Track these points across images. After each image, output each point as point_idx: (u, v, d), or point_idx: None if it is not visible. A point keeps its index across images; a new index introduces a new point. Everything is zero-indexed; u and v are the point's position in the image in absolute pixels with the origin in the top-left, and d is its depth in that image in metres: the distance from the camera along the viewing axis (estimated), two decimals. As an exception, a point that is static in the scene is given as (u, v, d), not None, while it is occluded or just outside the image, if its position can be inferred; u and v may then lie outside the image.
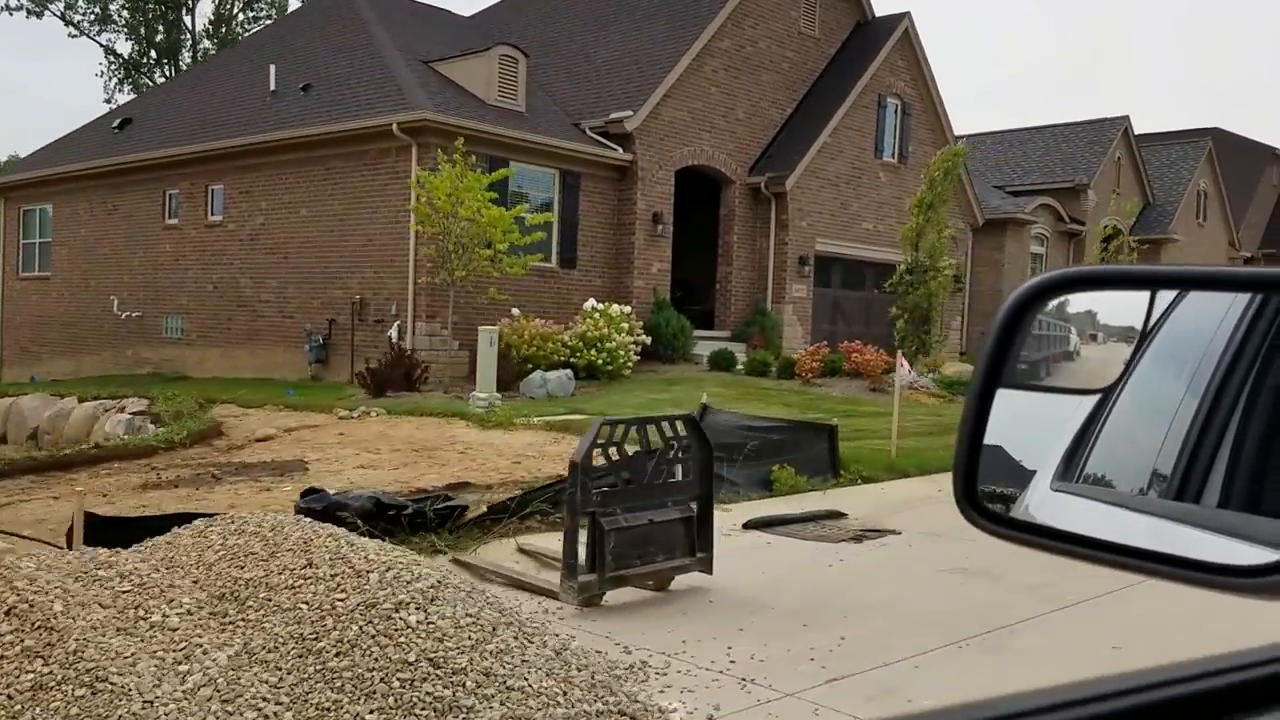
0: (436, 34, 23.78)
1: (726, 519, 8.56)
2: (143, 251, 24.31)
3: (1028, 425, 1.27)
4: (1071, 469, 1.20)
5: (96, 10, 50.02)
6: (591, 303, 19.38)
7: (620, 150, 21.36)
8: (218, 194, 22.76)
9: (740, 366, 20.06)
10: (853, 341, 20.74)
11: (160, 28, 50.41)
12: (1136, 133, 39.20)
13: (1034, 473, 1.25)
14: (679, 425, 6.51)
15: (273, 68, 22.92)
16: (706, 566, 6.56)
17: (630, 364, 18.96)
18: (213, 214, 22.84)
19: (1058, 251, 35.43)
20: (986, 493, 1.27)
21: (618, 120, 21.26)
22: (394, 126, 18.34)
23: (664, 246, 22.14)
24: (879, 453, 11.48)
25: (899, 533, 8.65)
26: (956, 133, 41.28)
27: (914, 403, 17.29)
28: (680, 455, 6.48)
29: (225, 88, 24.85)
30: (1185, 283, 1.19)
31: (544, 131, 20.56)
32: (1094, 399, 1.21)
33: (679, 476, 6.62)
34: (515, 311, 18.75)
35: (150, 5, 49.97)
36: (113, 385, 20.44)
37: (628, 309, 19.84)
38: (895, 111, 26.42)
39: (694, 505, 6.50)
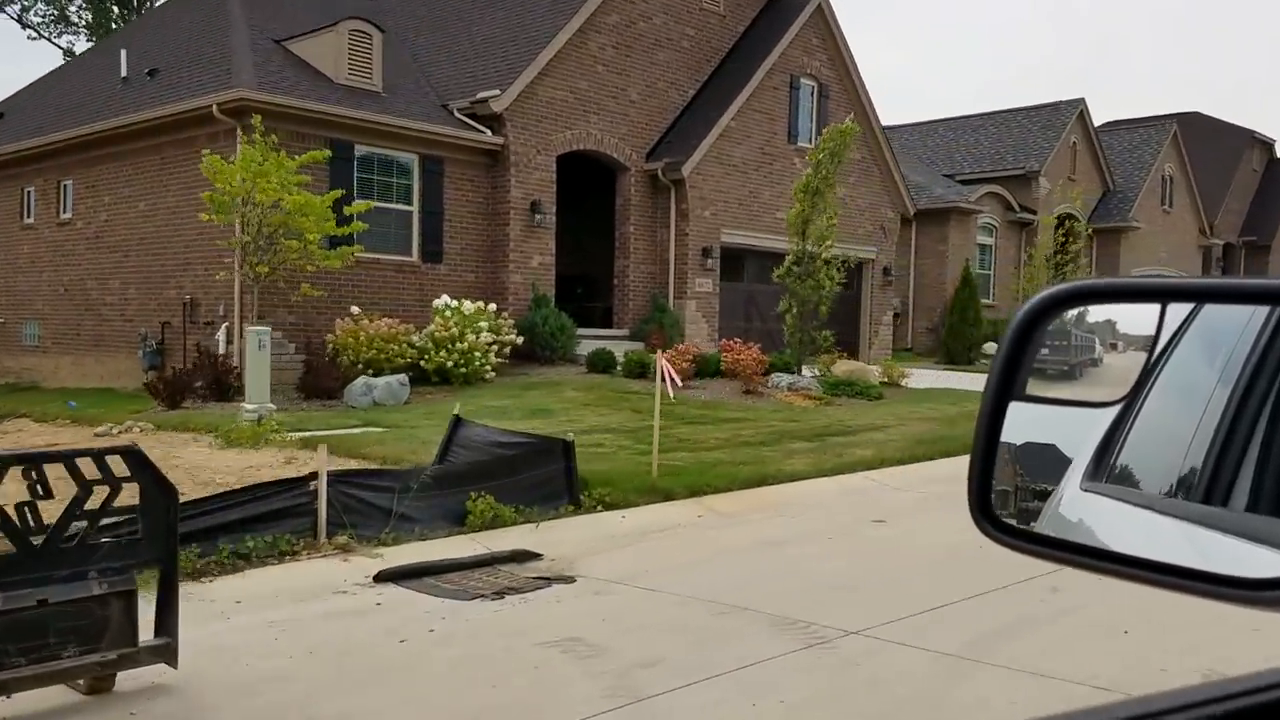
0: (306, 13, 21.81)
1: (362, 568, 6.57)
2: (2, 254, 22.45)
3: (1053, 431, 1.28)
4: (1100, 471, 1.22)
5: (54, 12, 48.29)
6: (445, 299, 17.39)
7: (489, 133, 19.36)
8: (68, 190, 20.87)
9: (619, 368, 18.03)
10: (748, 341, 18.68)
11: (118, 28, 48.67)
12: (1102, 120, 37.08)
13: (1061, 478, 1.26)
14: (111, 461, 4.52)
15: (124, 53, 21.07)
16: (166, 657, 4.57)
17: (489, 366, 16.95)
18: (64, 211, 20.95)
19: (1009, 241, 33.32)
20: (1018, 507, 1.29)
21: (484, 100, 19.27)
22: (214, 108, 16.41)
23: (545, 238, 20.12)
24: (644, 472, 9.45)
25: (574, 580, 6.64)
26: (907, 120, 39.33)
27: (785, 405, 15.26)
28: (109, 505, 4.49)
29: (87, 78, 23.02)
30: (1196, 295, 1.24)
31: (402, 113, 18.58)
32: (1118, 407, 1.22)
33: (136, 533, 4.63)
34: (355, 310, 16.78)
35: (109, 5, 48.18)
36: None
37: (491, 306, 17.86)
38: (811, 94, 24.35)
39: (144, 574, 4.50)
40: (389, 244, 18.46)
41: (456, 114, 19.59)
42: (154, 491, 4.56)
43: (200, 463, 10.07)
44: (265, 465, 9.99)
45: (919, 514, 9.16)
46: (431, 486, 7.73)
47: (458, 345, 16.65)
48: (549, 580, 6.74)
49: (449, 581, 6.66)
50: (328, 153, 16.24)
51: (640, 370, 17.33)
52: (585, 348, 19.04)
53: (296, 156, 15.05)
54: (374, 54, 18.98)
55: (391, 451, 10.28)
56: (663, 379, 9.93)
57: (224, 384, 15.49)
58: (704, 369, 16.91)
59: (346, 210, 15.50)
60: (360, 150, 17.96)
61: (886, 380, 18.83)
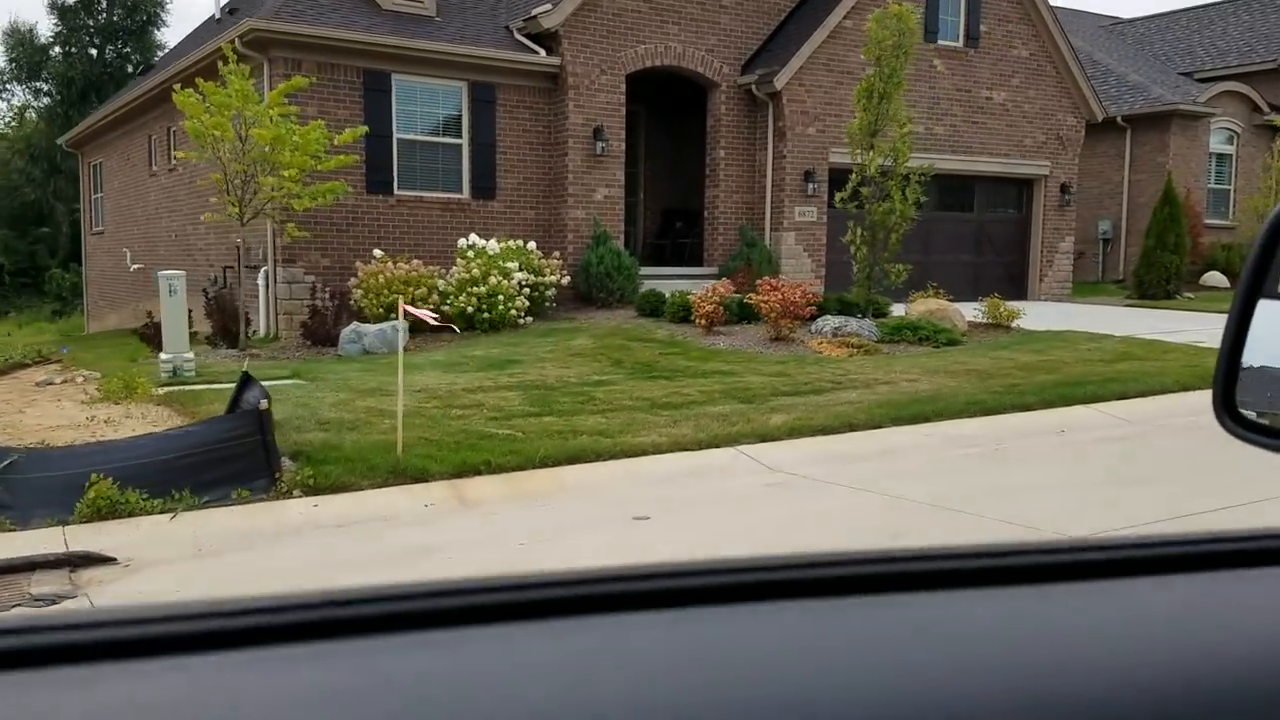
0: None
1: None
2: (138, 202, 23.38)
3: None
4: None
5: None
6: (473, 239, 15.97)
7: (543, 54, 17.58)
8: (174, 135, 21.17)
9: (665, 312, 15.95)
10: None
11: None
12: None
13: None
14: None
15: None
16: None
17: (516, 310, 15.42)
18: (171, 158, 21.33)
19: (1255, 149, 27.40)
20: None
21: (535, 17, 17.49)
22: (235, 42, 15.67)
23: (612, 168, 18.16)
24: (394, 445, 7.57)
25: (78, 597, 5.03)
26: (1142, 12, 33.28)
27: (798, 356, 12.68)
28: None
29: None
30: None
31: (450, 38, 17.17)
32: None
33: None
34: (378, 253, 15.72)
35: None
36: (73, 343, 19.59)
37: (531, 245, 16.29)
38: (957, -23, 20.61)
39: None
40: (435, 181, 17.23)
41: (517, 35, 17.95)
42: None
43: (16, 420, 9.26)
44: (69, 421, 9.01)
45: (725, 506, 6.79)
46: (42, 465, 6.37)
47: (477, 289, 15.21)
48: (56, 599, 5.19)
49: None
50: (310, 79, 15.09)
51: (684, 314, 15.19)
52: (667, 288, 17.02)
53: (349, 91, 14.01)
54: (425, -26, 17.63)
55: (298, 411, 8.80)
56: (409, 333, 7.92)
57: (230, 331, 14.95)
58: (730, 314, 14.50)
59: (337, 140, 14.31)
60: (400, 80, 16.74)
61: (993, 321, 15.52)
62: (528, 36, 17.84)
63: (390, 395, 9.84)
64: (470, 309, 15.17)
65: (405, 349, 13.91)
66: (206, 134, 13.34)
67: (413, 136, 16.97)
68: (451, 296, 15.31)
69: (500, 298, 15.25)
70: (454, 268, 15.53)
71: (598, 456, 7.89)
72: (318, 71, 15.98)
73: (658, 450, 8.14)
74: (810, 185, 19.17)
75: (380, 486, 7.05)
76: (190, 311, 17.17)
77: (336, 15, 16.57)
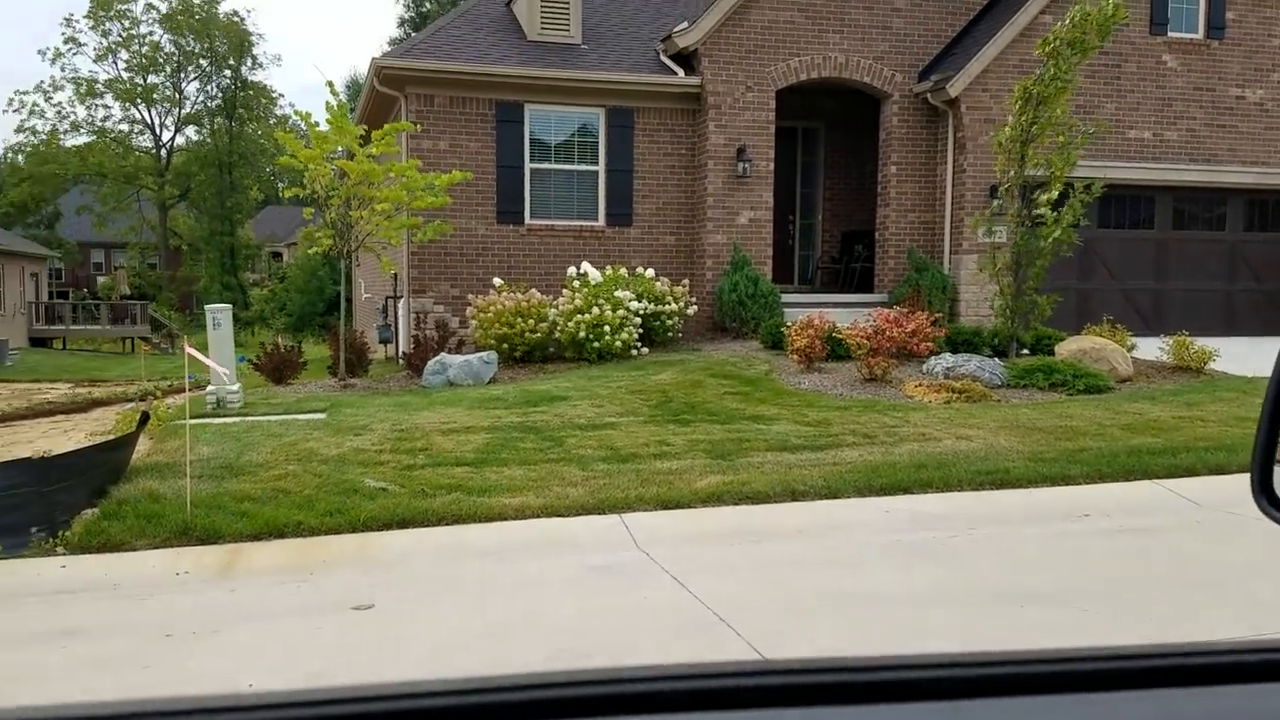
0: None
1: None
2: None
3: None
4: None
5: None
6: (585, 267, 14.93)
7: (681, 74, 16.26)
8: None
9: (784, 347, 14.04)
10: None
11: None
12: None
13: None
14: None
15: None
16: None
17: (623, 341, 14.18)
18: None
19: None
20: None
21: (671, 37, 16.23)
22: (375, 82, 15.75)
23: (757, 190, 16.44)
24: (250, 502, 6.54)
25: None
26: None
27: (890, 403, 10.47)
28: None
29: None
30: None
31: (593, 65, 16.34)
32: None
33: None
34: (496, 281, 15.08)
35: None
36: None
37: (649, 272, 15.02)
38: (1190, -44, 16.96)
39: None
40: (568, 209, 16.37)
41: (662, 57, 16.78)
42: None
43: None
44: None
45: (489, 597, 5.18)
46: None
47: (583, 318, 14.14)
48: None
49: None
50: (415, 125, 14.66)
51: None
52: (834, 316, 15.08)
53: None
54: (571, 4, 16.90)
55: (221, 451, 8.23)
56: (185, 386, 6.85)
57: (352, 362, 14.82)
58: (828, 349, 12.36)
59: (439, 181, 13.77)
60: (534, 110, 16.08)
61: (1178, 363, 12.23)
62: (669, 58, 16.61)
63: (371, 434, 8.98)
64: (579, 339, 14.10)
65: (493, 380, 13.20)
66: (302, 169, 13.25)
67: (545, 165, 16.21)
68: (559, 328, 14.32)
69: (606, 328, 14.05)
70: (560, 298, 14.54)
71: (439, 520, 6.50)
72: (450, 105, 15.66)
73: (521, 515, 6.61)
74: (996, 202, 16.34)
75: (159, 547, 6.10)
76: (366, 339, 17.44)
77: (475, 49, 16.19)
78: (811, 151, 19.24)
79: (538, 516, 6.62)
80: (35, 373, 25.43)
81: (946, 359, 11.61)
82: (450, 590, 5.50)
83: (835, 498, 6.89)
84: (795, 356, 12.25)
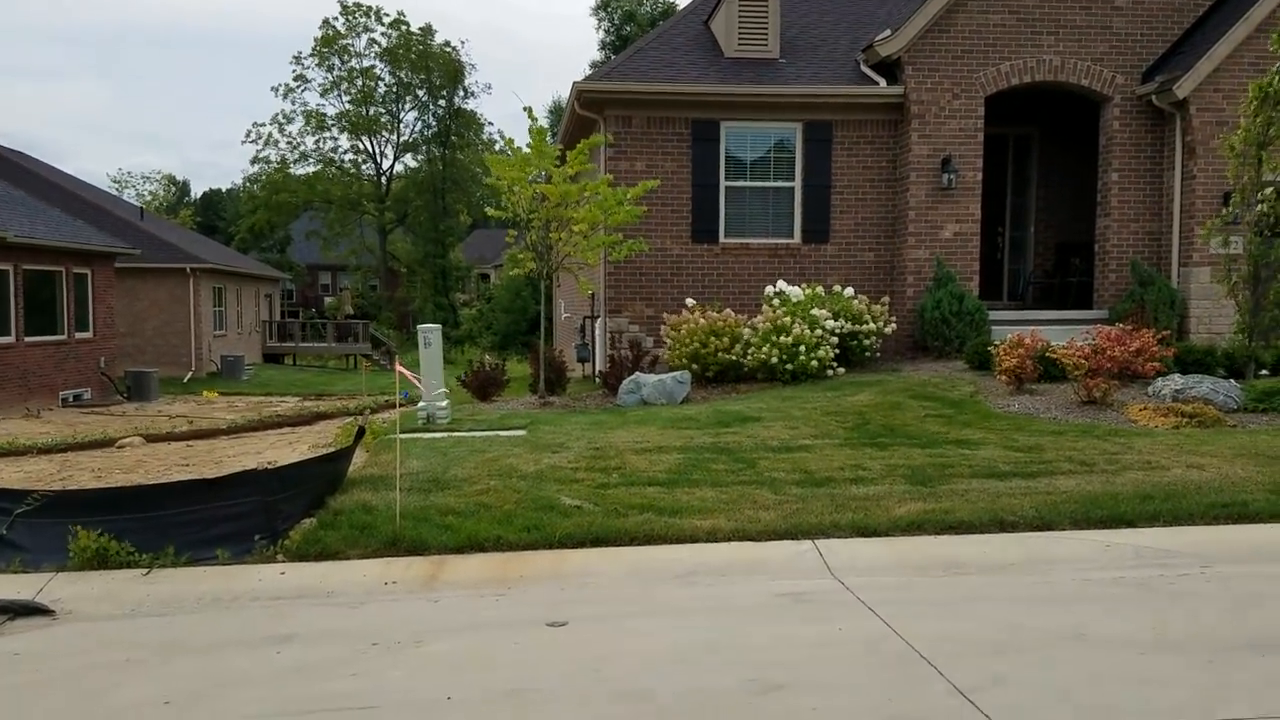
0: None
1: None
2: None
3: None
4: None
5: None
6: (782, 285, 14.79)
7: (883, 84, 15.90)
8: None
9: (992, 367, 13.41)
10: None
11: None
12: None
13: None
14: None
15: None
16: None
17: (819, 361, 13.94)
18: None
19: None
20: None
21: (873, 46, 15.89)
22: (575, 104, 16.21)
23: (964, 202, 15.83)
24: (420, 517, 6.80)
25: None
26: None
27: (1111, 428, 9.82)
28: None
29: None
30: None
31: (790, 79, 16.25)
32: None
33: None
34: (690, 302, 15.17)
35: None
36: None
37: (847, 290, 14.72)
38: None
39: None
40: (763, 227, 16.29)
41: (863, 67, 16.47)
42: None
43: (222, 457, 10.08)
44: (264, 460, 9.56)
45: (683, 619, 5.13)
46: (46, 513, 6.62)
47: (781, 338, 14.00)
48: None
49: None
50: (605, 137, 14.90)
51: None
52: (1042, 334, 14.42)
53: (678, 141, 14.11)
54: (769, 19, 16.87)
55: (429, 465, 8.62)
56: (399, 401, 7.08)
57: (551, 380, 15.25)
58: (1042, 368, 11.68)
59: (632, 192, 14.00)
60: (729, 127, 16.12)
61: None
62: (870, 67, 16.28)
63: (567, 451, 9.21)
64: (774, 360, 13.95)
65: (686, 399, 13.26)
66: (505, 191, 13.77)
67: (740, 183, 16.19)
68: (754, 347, 14.22)
69: (802, 348, 13.85)
70: (757, 317, 14.44)
71: (631, 540, 6.54)
72: (647, 125, 15.92)
73: (712, 538, 6.56)
74: (1230, 210, 15.06)
75: (370, 557, 6.43)
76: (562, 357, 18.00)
77: (673, 69, 16.39)
78: (1023, 159, 18.36)
79: (729, 539, 6.55)
80: (267, 387, 27.56)
81: (1175, 380, 10.76)
82: (642, 612, 5.51)
83: (1048, 529, 6.48)
84: (1003, 377, 11.66)
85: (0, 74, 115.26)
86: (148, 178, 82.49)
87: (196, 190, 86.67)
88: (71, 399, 22.63)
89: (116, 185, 69.67)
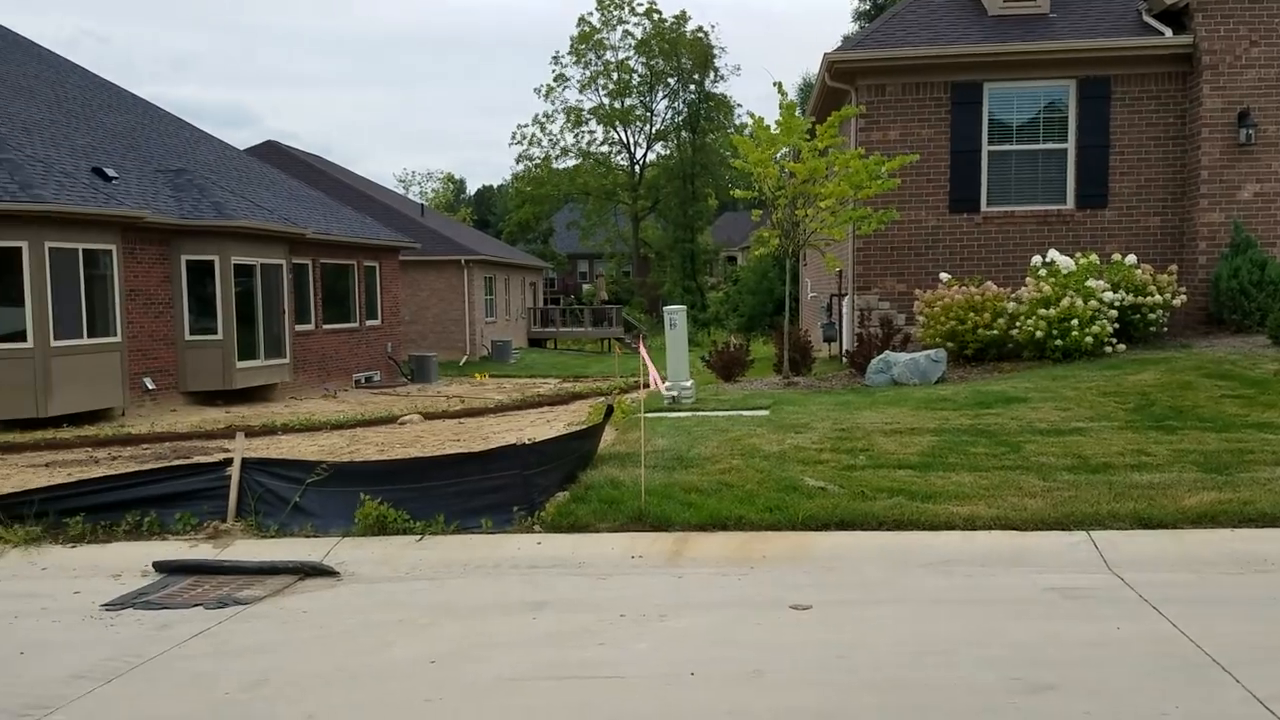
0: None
1: (205, 552, 6.76)
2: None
3: None
4: None
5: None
6: (1053, 255, 13.80)
7: (1169, 33, 14.46)
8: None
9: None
10: None
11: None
12: None
13: None
14: None
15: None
16: None
17: (1094, 336, 12.95)
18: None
19: None
20: None
21: (1155, -8, 14.47)
22: (826, 75, 15.84)
23: (1264, 159, 14.18)
24: (667, 494, 6.79)
25: (252, 604, 5.63)
26: None
27: None
28: None
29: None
30: None
31: (1062, 34, 15.16)
32: None
33: None
34: (944, 276, 14.50)
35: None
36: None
37: (1129, 259, 13.56)
38: None
39: None
40: (1030, 194, 15.28)
41: (1145, 17, 15.07)
42: None
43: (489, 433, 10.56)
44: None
45: (924, 607, 4.81)
46: (333, 483, 7.12)
47: (1048, 312, 13.11)
48: (232, 602, 5.86)
49: (208, 583, 6.31)
50: (860, 107, 14.34)
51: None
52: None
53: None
54: (1037, -27, 15.78)
55: (673, 444, 8.70)
56: (645, 382, 6.99)
57: (796, 360, 15.04)
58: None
59: (888, 165, 13.48)
60: (993, 88, 15.22)
61: None
62: (1154, 16, 14.84)
63: (811, 432, 9.04)
64: (1040, 334, 13.07)
65: (941, 379, 12.68)
66: (752, 171, 13.64)
67: (1005, 147, 15.23)
68: (1020, 320, 13.37)
69: (1074, 322, 12.87)
70: (1022, 289, 13.55)
71: (880, 524, 6.25)
72: (901, 92, 15.31)
73: (970, 525, 6.15)
74: None
75: (617, 531, 6.52)
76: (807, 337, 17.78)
77: (930, 32, 15.65)
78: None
79: (989, 528, 6.14)
80: (531, 369, 28.94)
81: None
82: (891, 599, 5.26)
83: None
84: (1317, 352, 10.29)
85: (290, 83, 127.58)
86: (429, 176, 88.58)
87: (471, 188, 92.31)
88: (363, 380, 24.69)
89: (402, 184, 75.31)
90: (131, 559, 6.75)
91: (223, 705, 4.20)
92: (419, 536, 6.75)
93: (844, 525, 6.28)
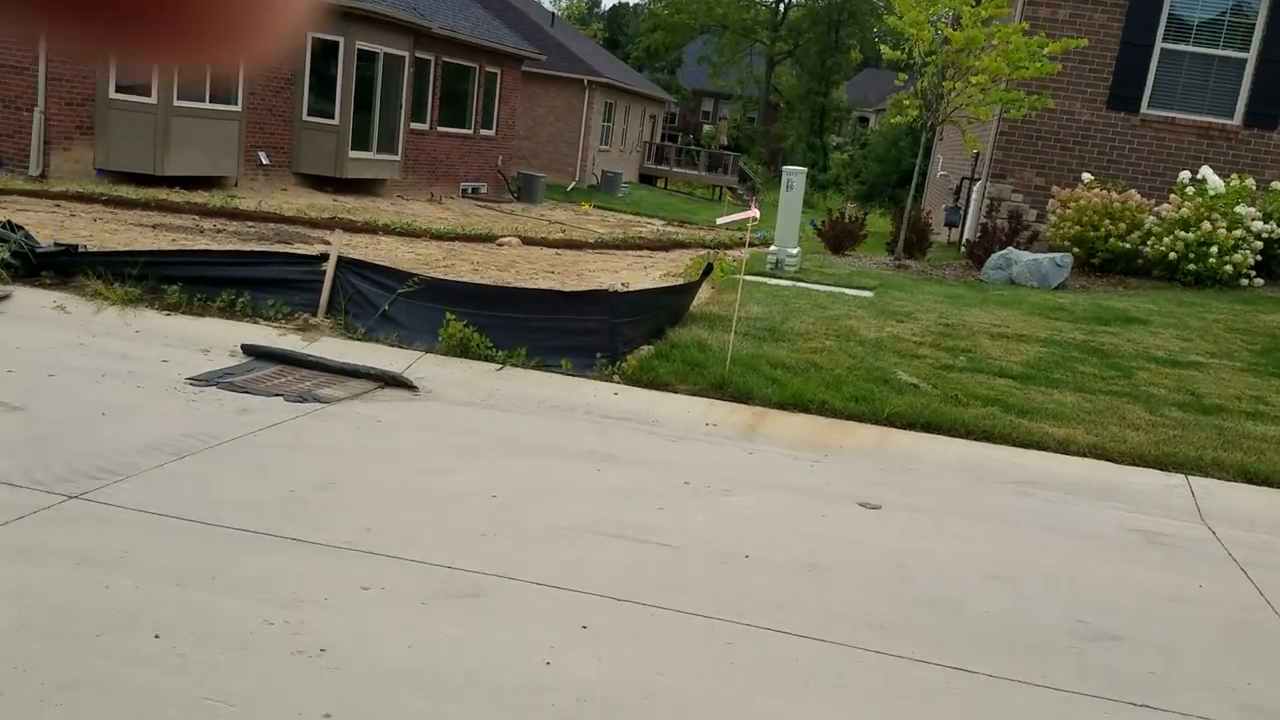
0: None
1: (290, 343, 6.89)
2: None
3: None
4: None
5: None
6: (1204, 172, 12.82)
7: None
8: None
9: None
10: None
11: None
12: None
13: None
14: None
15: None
16: None
17: (1238, 266, 12.15)
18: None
19: None
20: None
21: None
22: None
23: None
24: (751, 365, 6.60)
25: (330, 403, 5.73)
26: None
27: None
28: None
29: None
30: None
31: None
32: None
33: None
34: (1086, 178, 13.63)
35: None
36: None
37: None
38: None
39: None
40: (1198, 101, 14.12)
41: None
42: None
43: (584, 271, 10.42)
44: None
45: (1021, 530, 4.63)
46: (423, 297, 7.09)
47: (1185, 234, 12.29)
48: (303, 398, 5.94)
49: (291, 375, 6.42)
50: None
51: None
52: None
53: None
54: None
55: (768, 313, 8.48)
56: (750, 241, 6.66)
57: (911, 242, 14.44)
58: None
59: (1049, 48, 12.47)
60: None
61: None
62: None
63: (914, 322, 8.72)
64: (1173, 255, 12.31)
65: (1061, 286, 12.08)
66: (905, 31, 12.77)
67: (1180, 46, 13.98)
68: (1154, 239, 12.58)
69: (1213, 248, 12.06)
70: (1165, 205, 12.67)
71: (968, 433, 6.01)
72: (1077, -30, 14.05)
73: (1063, 449, 5.86)
74: None
75: (695, 394, 6.39)
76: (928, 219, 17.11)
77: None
78: None
79: (1082, 455, 5.85)
80: (637, 207, 28.57)
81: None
82: (965, 513, 5.08)
83: None
84: None
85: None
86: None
87: (606, 2, 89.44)
88: (469, 190, 24.69)
89: (535, -12, 73.32)
90: (222, 336, 6.89)
91: (287, 502, 4.28)
92: (499, 366, 6.73)
93: (929, 427, 6.05)
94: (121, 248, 8.57)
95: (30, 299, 7.17)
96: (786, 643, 3.44)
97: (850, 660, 3.38)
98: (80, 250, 7.75)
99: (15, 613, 3.13)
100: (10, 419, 4.88)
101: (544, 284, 9.32)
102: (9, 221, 7.98)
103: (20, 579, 3.36)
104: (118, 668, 2.90)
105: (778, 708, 3.04)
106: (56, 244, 8.02)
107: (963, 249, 15.00)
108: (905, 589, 4.07)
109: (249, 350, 6.74)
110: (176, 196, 13.04)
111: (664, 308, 7.52)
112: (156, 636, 3.07)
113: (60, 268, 7.56)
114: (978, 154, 15.53)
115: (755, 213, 7.26)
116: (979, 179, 15.63)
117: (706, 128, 60.23)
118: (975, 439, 5.97)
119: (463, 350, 6.86)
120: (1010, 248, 12.78)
